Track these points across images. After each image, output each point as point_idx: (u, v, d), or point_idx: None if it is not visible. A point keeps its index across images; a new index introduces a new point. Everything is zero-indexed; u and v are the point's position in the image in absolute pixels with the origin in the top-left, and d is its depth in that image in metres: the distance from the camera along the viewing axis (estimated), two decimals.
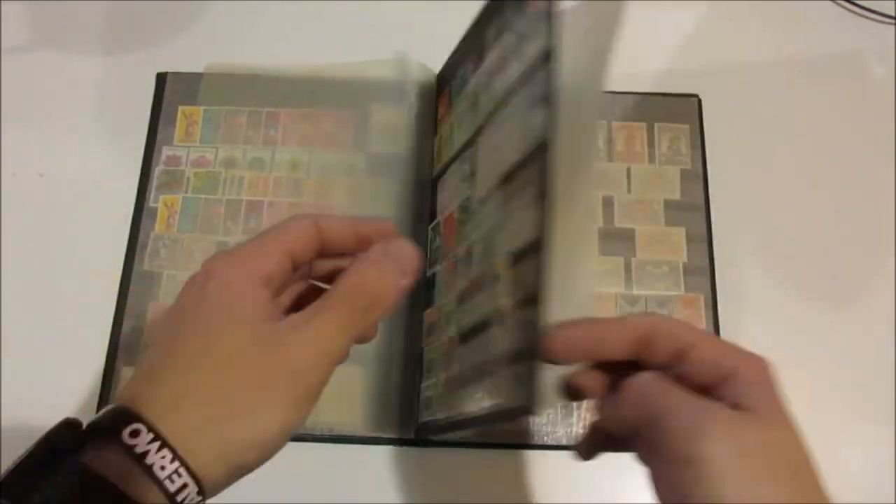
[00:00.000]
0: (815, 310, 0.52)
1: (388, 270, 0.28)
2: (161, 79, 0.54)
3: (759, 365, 0.28)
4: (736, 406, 0.26)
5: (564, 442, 0.47)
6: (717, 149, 0.55)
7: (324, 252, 0.31)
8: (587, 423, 0.46)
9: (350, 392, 0.47)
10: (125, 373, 0.47)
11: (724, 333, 0.50)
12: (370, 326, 0.30)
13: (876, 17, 0.61)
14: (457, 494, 0.46)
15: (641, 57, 0.58)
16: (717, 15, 0.61)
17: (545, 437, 0.47)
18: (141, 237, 0.50)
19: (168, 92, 0.54)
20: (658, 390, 0.27)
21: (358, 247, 0.30)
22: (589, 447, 0.32)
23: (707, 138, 0.55)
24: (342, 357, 0.28)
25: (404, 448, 0.47)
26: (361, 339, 0.31)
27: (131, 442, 0.24)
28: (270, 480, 0.46)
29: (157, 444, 0.24)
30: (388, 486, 0.46)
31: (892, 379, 0.50)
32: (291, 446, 0.46)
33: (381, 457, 0.47)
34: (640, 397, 0.27)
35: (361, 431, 0.46)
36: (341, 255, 0.31)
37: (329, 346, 0.27)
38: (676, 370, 0.27)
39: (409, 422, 0.46)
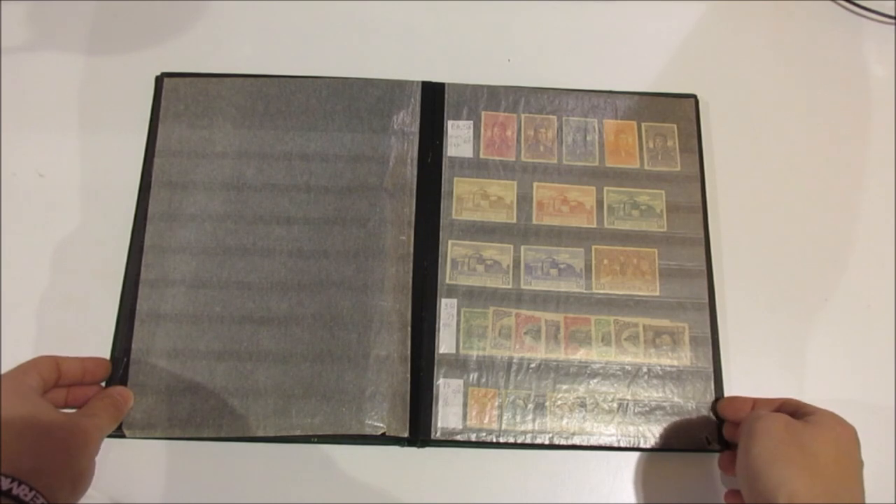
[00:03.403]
0: (815, 310, 0.52)
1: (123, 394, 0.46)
2: (159, 82, 0.54)
3: (794, 400, 0.45)
4: (802, 417, 0.42)
5: (563, 442, 0.47)
6: (715, 148, 0.55)
7: (60, 381, 0.44)
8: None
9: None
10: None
11: (723, 333, 0.50)
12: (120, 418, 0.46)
13: (876, 17, 0.61)
14: (457, 494, 0.46)
15: (641, 57, 0.59)
16: (717, 15, 0.61)
17: (545, 438, 0.47)
18: (141, 237, 0.50)
19: (166, 93, 0.54)
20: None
21: (84, 376, 0.45)
22: (730, 464, 0.45)
23: (705, 138, 0.55)
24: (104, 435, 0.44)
25: (404, 448, 0.47)
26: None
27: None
28: (271, 480, 0.46)
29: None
30: (388, 486, 0.46)
31: (892, 379, 0.50)
32: (292, 447, 0.47)
33: (381, 457, 0.47)
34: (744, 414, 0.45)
35: (363, 431, 0.46)
36: (72, 383, 0.45)
37: (106, 428, 0.44)
38: None
39: (417, 422, 0.47)
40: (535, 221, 0.52)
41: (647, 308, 0.50)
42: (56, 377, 0.44)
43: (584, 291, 0.50)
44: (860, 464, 0.40)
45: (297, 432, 0.46)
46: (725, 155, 0.55)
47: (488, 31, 0.59)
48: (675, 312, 0.50)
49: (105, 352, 0.48)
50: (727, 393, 0.49)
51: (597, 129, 0.55)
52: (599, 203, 0.53)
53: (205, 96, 0.54)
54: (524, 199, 0.52)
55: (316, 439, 0.46)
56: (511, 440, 0.47)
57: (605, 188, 0.53)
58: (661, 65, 0.59)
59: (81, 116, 0.54)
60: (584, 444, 0.47)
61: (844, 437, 0.40)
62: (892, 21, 0.60)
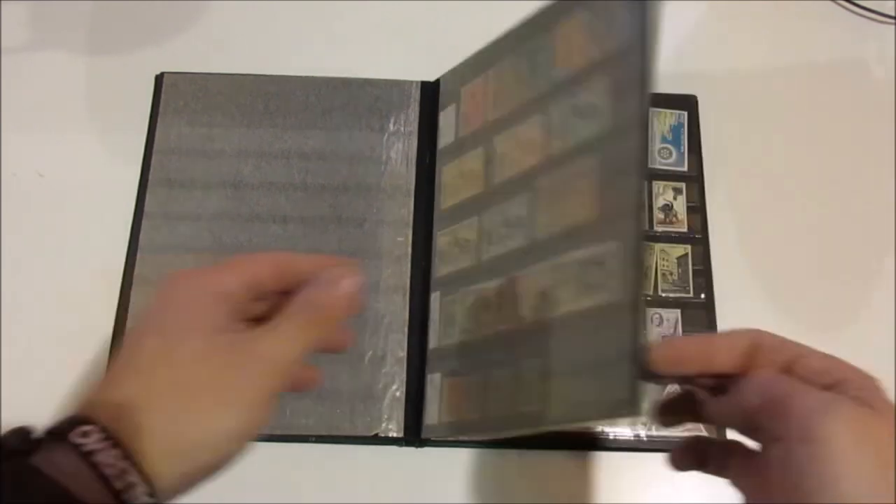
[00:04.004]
0: (814, 308, 0.52)
1: (336, 286, 0.31)
2: (159, 79, 0.54)
3: (869, 378, 0.28)
4: (858, 401, 0.26)
5: (561, 442, 0.47)
6: (714, 148, 0.55)
7: (289, 287, 0.32)
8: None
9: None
10: None
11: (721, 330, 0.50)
12: (327, 337, 0.32)
13: (876, 17, 0.61)
14: (457, 494, 0.46)
15: None
16: (716, 15, 0.61)
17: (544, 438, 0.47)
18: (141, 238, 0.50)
19: (165, 88, 0.54)
20: (783, 379, 0.27)
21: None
22: (683, 461, 0.33)
23: (704, 138, 0.55)
24: (296, 365, 0.30)
25: (404, 448, 0.47)
26: (334, 349, 0.34)
27: (80, 441, 0.24)
28: (271, 481, 0.46)
29: (107, 443, 0.24)
30: (389, 486, 0.46)
31: (892, 375, 0.50)
32: (293, 447, 0.47)
33: (381, 457, 0.47)
34: (767, 382, 0.27)
35: (356, 432, 0.46)
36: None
37: (283, 354, 0.29)
38: None
39: (412, 421, 0.46)
40: (497, 180, 0.44)
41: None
42: (283, 281, 0.32)
43: (527, 244, 0.41)
44: None
45: (292, 433, 0.46)
46: (725, 155, 0.55)
47: (488, 31, 0.59)
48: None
49: (105, 352, 0.48)
50: None
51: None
52: (545, 128, 0.41)
53: (204, 93, 0.54)
54: (490, 163, 0.46)
55: (314, 439, 0.46)
56: (490, 434, 0.46)
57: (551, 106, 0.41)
58: (661, 64, 0.58)
59: (81, 116, 0.54)
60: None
61: None
62: (892, 21, 0.60)
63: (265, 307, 0.32)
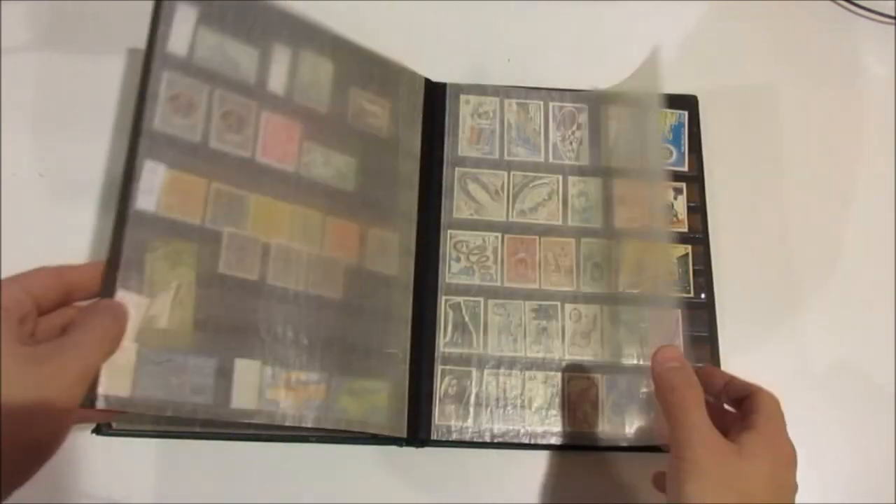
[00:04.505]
0: (814, 309, 0.52)
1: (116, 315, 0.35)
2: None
3: (769, 393, 0.39)
4: (746, 424, 0.37)
5: (561, 442, 0.47)
6: (714, 148, 0.55)
7: (72, 297, 0.35)
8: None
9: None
10: None
11: (723, 331, 0.50)
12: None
13: (876, 17, 0.61)
14: (458, 494, 0.46)
15: (641, 57, 0.58)
16: (716, 15, 0.61)
17: (542, 438, 0.47)
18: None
19: None
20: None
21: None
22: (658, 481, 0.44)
23: (705, 138, 0.55)
24: (94, 375, 0.33)
25: (404, 448, 0.47)
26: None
27: None
28: (272, 481, 0.46)
29: None
30: (389, 487, 0.46)
31: (892, 379, 0.50)
32: (293, 447, 0.46)
33: (381, 457, 0.47)
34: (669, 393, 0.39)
35: (365, 430, 0.46)
36: (91, 296, 0.36)
37: (95, 360, 0.33)
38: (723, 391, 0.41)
39: (417, 422, 0.46)
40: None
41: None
42: (61, 293, 0.34)
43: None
44: (795, 490, 0.37)
45: (292, 433, 0.46)
46: (725, 154, 0.55)
47: (488, 31, 0.59)
48: None
49: None
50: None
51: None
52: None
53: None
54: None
55: (314, 439, 0.46)
56: (489, 438, 0.47)
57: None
58: (662, 65, 0.58)
59: (81, 116, 0.54)
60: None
61: (782, 465, 0.36)
62: (892, 21, 0.60)
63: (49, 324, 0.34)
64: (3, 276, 0.49)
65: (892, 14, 0.60)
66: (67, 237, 0.51)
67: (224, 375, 0.39)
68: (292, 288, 0.43)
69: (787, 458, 0.37)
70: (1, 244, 0.50)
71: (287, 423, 0.41)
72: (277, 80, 0.46)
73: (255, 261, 0.42)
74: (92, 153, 0.53)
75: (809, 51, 0.60)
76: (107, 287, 0.36)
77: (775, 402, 0.38)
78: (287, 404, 0.41)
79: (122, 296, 0.36)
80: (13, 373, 0.29)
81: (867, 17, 0.61)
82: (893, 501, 0.47)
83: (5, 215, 0.51)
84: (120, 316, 0.35)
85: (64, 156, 0.53)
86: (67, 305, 0.35)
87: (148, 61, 0.40)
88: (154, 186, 0.39)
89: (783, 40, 0.60)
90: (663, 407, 0.38)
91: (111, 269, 0.36)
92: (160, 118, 0.40)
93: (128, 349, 0.36)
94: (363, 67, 0.50)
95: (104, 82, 0.55)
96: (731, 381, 0.41)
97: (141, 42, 0.40)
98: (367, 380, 0.45)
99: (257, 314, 0.42)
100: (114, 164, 0.53)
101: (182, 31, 0.42)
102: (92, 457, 0.46)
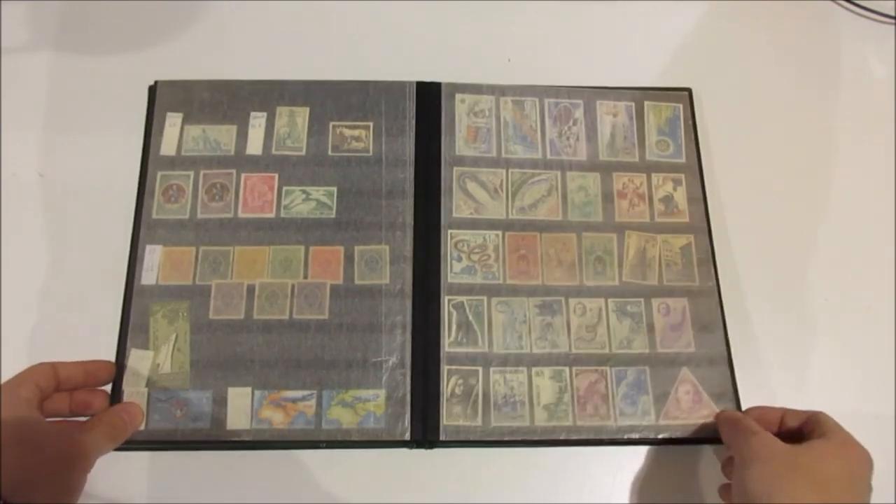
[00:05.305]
0: (814, 308, 0.52)
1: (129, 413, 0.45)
2: (153, 88, 0.54)
3: (826, 413, 0.42)
4: (813, 438, 0.40)
5: (572, 437, 0.47)
6: (715, 148, 0.55)
7: (61, 386, 0.44)
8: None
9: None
10: (129, 365, 0.47)
11: (730, 317, 0.50)
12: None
13: (876, 17, 0.61)
14: (469, 495, 0.46)
15: (641, 57, 0.59)
16: (716, 14, 0.61)
17: (552, 434, 0.47)
18: (141, 240, 0.50)
19: (159, 100, 0.54)
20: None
21: (86, 380, 0.45)
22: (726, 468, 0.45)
23: (705, 137, 0.55)
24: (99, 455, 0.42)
25: (404, 448, 0.47)
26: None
27: None
28: (283, 484, 0.46)
29: None
30: (401, 490, 0.46)
31: (892, 379, 0.50)
32: (305, 450, 0.46)
33: (391, 460, 0.47)
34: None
35: (370, 434, 0.46)
36: (75, 387, 0.45)
37: (103, 446, 0.42)
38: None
39: (425, 424, 0.46)
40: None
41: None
42: (55, 383, 0.43)
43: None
44: (870, 489, 0.39)
45: (299, 438, 0.46)
46: (724, 154, 0.55)
47: (488, 31, 0.59)
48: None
49: (109, 353, 0.47)
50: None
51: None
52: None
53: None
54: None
55: (324, 445, 0.46)
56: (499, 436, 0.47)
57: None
58: (662, 65, 0.59)
59: (81, 116, 0.54)
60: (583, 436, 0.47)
61: (857, 459, 0.39)
62: (892, 21, 0.60)
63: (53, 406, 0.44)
64: (2, 271, 0.49)
65: (892, 14, 0.60)
66: (67, 237, 0.51)
67: (219, 403, 0.46)
68: (276, 318, 0.48)
69: (863, 458, 0.39)
70: (1, 244, 0.50)
71: (276, 439, 0.46)
72: (256, 143, 0.52)
73: (240, 302, 0.48)
74: (92, 153, 0.53)
75: (809, 50, 0.60)
76: (120, 348, 0.47)
77: (834, 419, 0.41)
78: (278, 421, 0.46)
79: (134, 353, 0.47)
80: (51, 433, 0.40)
81: (867, 17, 0.61)
82: (893, 502, 0.47)
83: (5, 215, 0.51)
84: (134, 415, 0.45)
85: (64, 156, 0.53)
86: (59, 392, 0.44)
87: (144, 165, 0.51)
88: (154, 264, 0.49)
89: (783, 40, 0.60)
90: (728, 439, 0.43)
91: (123, 334, 0.47)
92: (156, 209, 0.50)
93: (141, 393, 0.46)
94: (339, 102, 0.53)
95: (104, 82, 0.55)
96: (787, 413, 0.44)
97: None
98: (359, 389, 0.47)
99: (244, 346, 0.48)
100: (114, 164, 0.53)
101: (170, 135, 0.52)
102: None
